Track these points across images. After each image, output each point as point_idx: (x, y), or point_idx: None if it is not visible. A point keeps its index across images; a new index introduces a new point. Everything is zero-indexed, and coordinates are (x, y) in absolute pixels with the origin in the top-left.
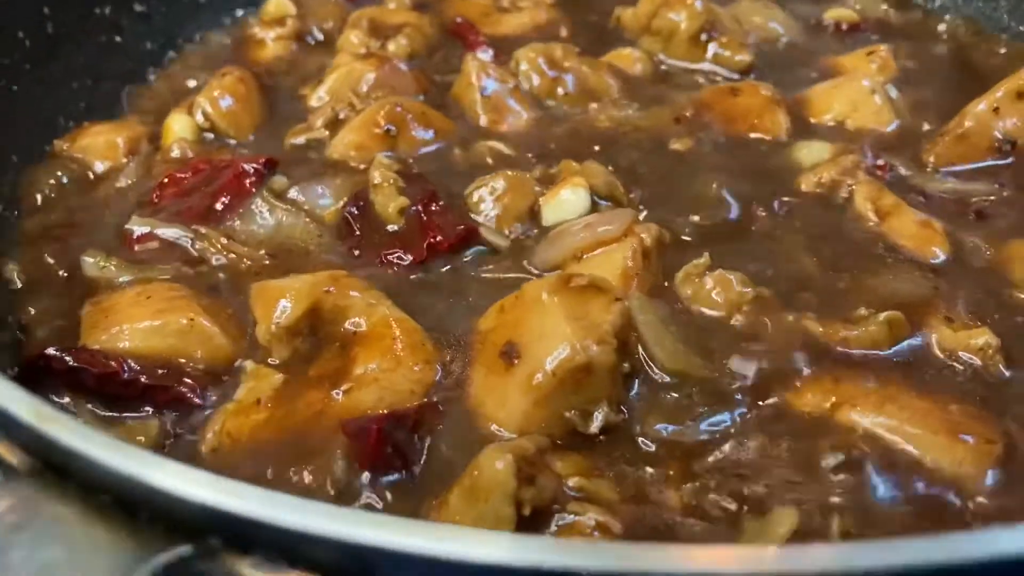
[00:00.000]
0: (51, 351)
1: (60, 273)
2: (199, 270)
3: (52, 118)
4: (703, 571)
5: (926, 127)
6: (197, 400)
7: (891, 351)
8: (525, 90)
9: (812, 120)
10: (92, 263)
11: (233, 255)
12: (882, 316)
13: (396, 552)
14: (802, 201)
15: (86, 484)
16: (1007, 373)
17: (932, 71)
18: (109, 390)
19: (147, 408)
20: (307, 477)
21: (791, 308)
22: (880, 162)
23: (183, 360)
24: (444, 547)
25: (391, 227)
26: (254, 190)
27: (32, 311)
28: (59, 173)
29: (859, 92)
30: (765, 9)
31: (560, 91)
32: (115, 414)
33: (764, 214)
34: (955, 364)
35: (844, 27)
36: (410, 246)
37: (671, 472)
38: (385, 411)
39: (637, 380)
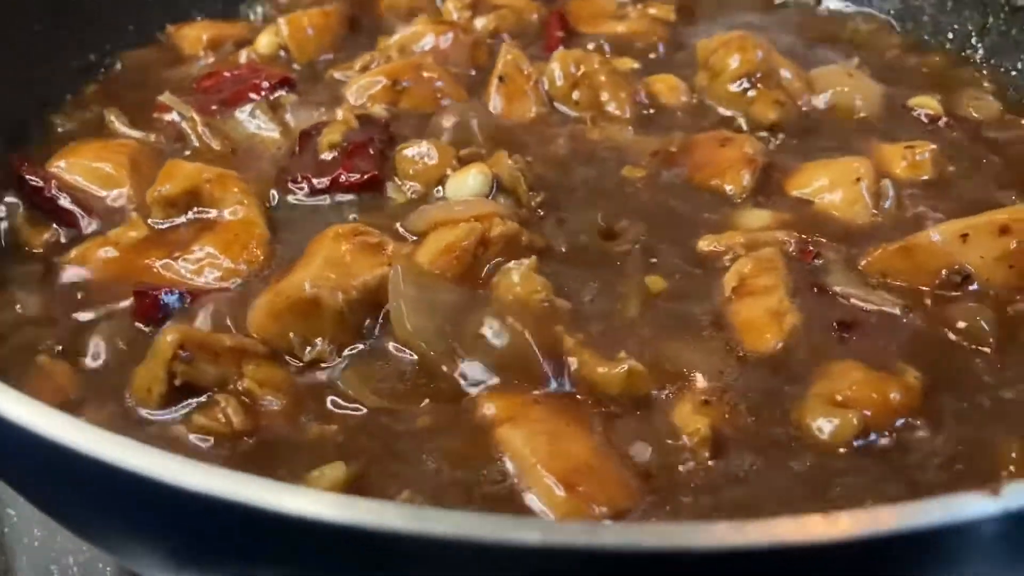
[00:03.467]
0: (24, 166)
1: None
2: (175, 147)
3: (187, 10)
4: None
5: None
6: (82, 223)
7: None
8: (544, 88)
9: (786, 190)
10: (111, 114)
11: (204, 140)
12: (627, 365)
13: None
14: (684, 256)
15: None
16: (708, 462)
17: (971, 186)
18: (36, 200)
19: (53, 222)
20: (103, 317)
21: (574, 328)
22: (809, 247)
23: (93, 194)
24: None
25: (323, 156)
26: (256, 98)
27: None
28: (156, 55)
29: (845, 176)
30: (856, 81)
31: (575, 96)
32: (35, 215)
33: (634, 252)
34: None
35: (924, 117)
36: (323, 176)
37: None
38: (187, 287)
39: (371, 338)
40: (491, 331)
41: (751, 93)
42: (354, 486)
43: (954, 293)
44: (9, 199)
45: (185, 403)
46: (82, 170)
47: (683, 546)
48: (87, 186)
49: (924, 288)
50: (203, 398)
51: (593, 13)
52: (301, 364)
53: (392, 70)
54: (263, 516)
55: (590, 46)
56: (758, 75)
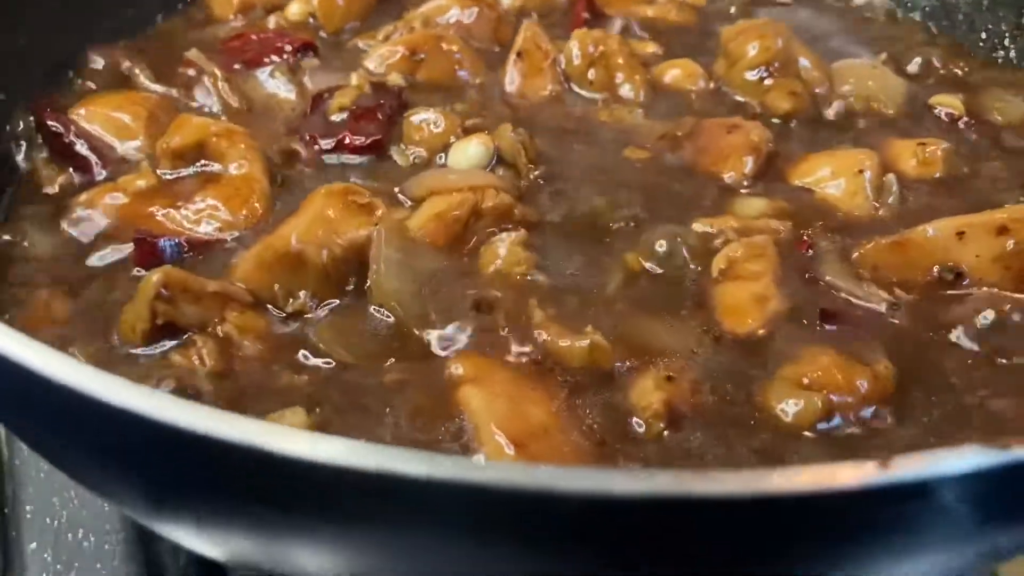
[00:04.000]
0: (47, 111)
1: (126, 71)
2: (194, 103)
3: None
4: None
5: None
6: (95, 170)
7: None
8: (561, 67)
9: (788, 178)
10: (137, 68)
11: (223, 97)
12: (590, 340)
13: None
14: (676, 237)
15: None
16: (663, 436)
17: (983, 188)
18: (55, 145)
19: (69, 166)
20: (105, 260)
21: (551, 301)
22: (804, 237)
23: (108, 143)
24: None
25: (333, 118)
26: (278, 60)
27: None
28: (188, 16)
29: (849, 167)
30: (879, 76)
31: (591, 76)
32: (53, 158)
33: (626, 230)
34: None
35: (944, 116)
36: (329, 137)
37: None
38: (186, 237)
39: (352, 296)
40: (469, 303)
41: (768, 82)
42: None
43: (945, 292)
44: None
45: (166, 342)
46: (101, 119)
47: (548, 486)
48: (103, 135)
49: (915, 284)
50: (183, 338)
51: None
52: (283, 315)
53: (411, 40)
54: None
55: (615, 28)
56: (776, 64)
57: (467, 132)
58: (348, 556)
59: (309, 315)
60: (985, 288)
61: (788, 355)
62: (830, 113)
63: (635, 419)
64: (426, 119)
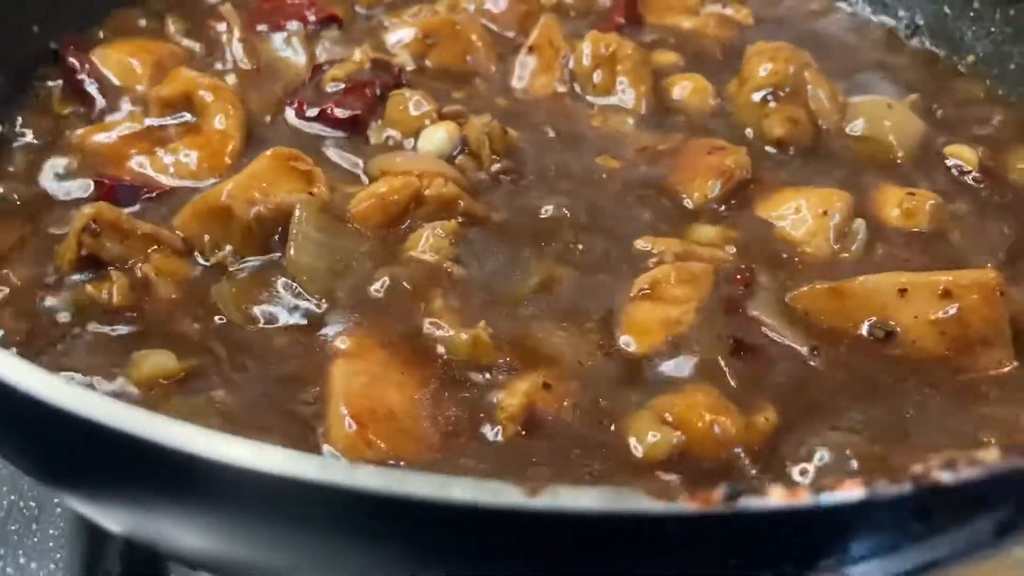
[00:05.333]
0: (70, 48)
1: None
2: (209, 57)
3: None
4: None
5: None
6: (97, 106)
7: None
8: (569, 67)
9: (754, 209)
10: (170, 17)
11: (235, 54)
12: (474, 334)
13: None
14: (616, 252)
15: None
16: (514, 437)
17: (966, 250)
18: (69, 79)
19: (78, 101)
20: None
21: (458, 294)
22: (746, 272)
23: (115, 85)
24: None
25: (327, 88)
26: (298, 26)
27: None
28: None
29: (817, 207)
30: (895, 115)
31: (596, 79)
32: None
33: (563, 237)
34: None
35: (955, 169)
36: (316, 106)
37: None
38: (150, 182)
39: (272, 257)
40: (377, 284)
41: (772, 105)
42: (182, 380)
43: (873, 346)
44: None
45: (89, 273)
46: (114, 63)
47: (331, 480)
48: (112, 78)
49: (845, 334)
50: (101, 273)
51: (670, 4)
52: (207, 264)
53: (427, 23)
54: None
55: (648, 37)
56: (786, 89)
57: (443, 118)
58: (212, 538)
59: (232, 269)
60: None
61: (672, 386)
62: (834, 147)
63: (492, 419)
64: (408, 100)
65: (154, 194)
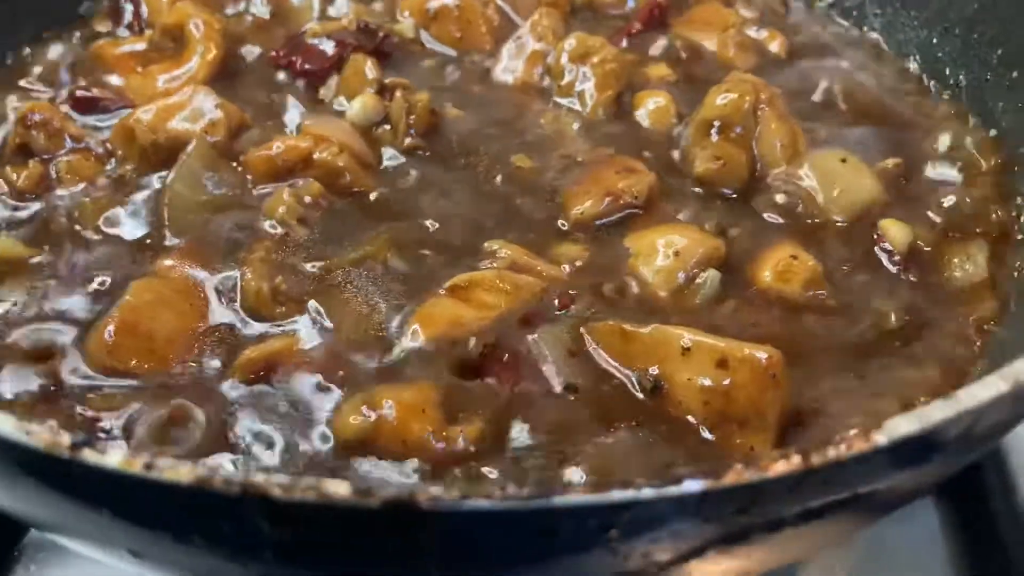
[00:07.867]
0: None
1: None
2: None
3: None
4: None
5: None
6: (121, 25)
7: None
8: (549, 61)
9: (625, 236)
10: None
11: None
12: (260, 285)
13: None
14: (461, 249)
15: None
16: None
17: (825, 325)
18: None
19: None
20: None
21: (281, 250)
22: (567, 295)
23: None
24: None
25: (310, 41)
26: None
27: None
28: None
29: (676, 247)
30: (845, 172)
31: (566, 78)
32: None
33: (416, 226)
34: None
35: (881, 247)
36: (288, 56)
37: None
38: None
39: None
40: (224, 225)
41: (714, 138)
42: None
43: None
44: None
45: (22, 159)
46: None
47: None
48: (147, 4)
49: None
50: (28, 161)
51: (705, 20)
52: (113, 176)
53: None
54: None
55: (658, 46)
56: (738, 129)
57: (383, 89)
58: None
59: (128, 182)
60: None
61: (408, 377)
62: (776, 198)
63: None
64: (359, 66)
65: (113, 108)
